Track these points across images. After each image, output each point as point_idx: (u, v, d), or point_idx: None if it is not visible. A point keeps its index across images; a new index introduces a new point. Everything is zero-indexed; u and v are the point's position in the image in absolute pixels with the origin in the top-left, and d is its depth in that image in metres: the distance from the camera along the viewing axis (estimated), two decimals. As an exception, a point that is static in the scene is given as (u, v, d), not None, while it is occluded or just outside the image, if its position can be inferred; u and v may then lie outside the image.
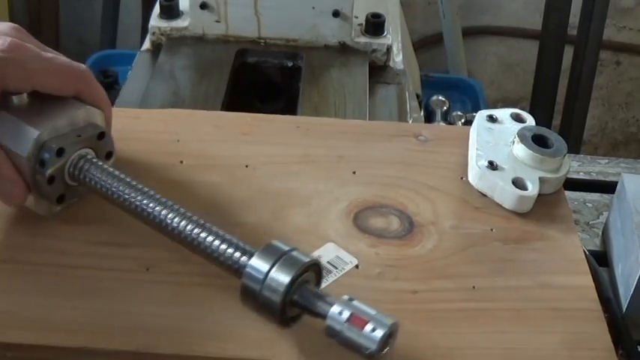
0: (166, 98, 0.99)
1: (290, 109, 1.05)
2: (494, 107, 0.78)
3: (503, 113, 0.75)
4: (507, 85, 2.35)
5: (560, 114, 1.94)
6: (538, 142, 0.70)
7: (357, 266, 0.62)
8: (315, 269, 0.56)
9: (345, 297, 0.53)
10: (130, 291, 0.59)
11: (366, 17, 1.10)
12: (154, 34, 1.10)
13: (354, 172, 0.71)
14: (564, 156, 0.70)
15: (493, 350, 0.57)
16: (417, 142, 0.75)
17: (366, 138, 0.75)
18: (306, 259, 0.54)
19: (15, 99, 0.63)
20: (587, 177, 0.99)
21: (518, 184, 0.68)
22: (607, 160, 1.04)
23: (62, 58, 0.64)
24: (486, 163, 0.69)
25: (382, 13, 1.11)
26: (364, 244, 0.64)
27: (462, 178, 0.71)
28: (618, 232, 0.75)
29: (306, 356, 0.56)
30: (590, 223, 0.90)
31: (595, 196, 0.95)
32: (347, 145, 0.74)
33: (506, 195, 0.68)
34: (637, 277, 0.68)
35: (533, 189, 0.68)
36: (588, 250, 0.68)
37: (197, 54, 1.08)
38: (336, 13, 1.07)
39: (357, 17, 1.10)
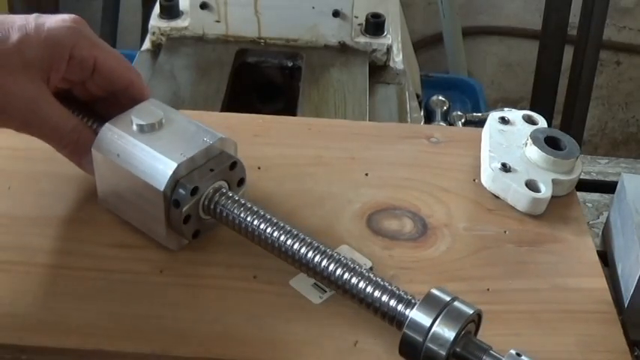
0: (166, 98, 0.98)
1: (290, 109, 1.05)
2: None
3: (515, 115, 0.75)
4: (507, 85, 2.35)
5: (560, 114, 1.94)
6: (551, 144, 0.70)
7: (371, 268, 0.62)
8: (476, 318, 0.54)
9: (513, 351, 0.51)
10: (144, 293, 0.59)
11: (366, 17, 1.10)
12: (154, 34, 1.10)
13: (366, 174, 0.71)
14: (577, 158, 0.70)
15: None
16: (429, 144, 0.75)
17: (378, 140, 0.75)
18: (470, 311, 0.52)
19: (145, 125, 0.60)
20: (587, 177, 0.99)
21: (531, 186, 0.68)
22: (607, 160, 1.04)
23: None
24: (499, 165, 0.69)
25: (382, 13, 1.10)
26: (378, 246, 0.64)
27: (474, 180, 0.71)
28: (618, 232, 0.75)
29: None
30: (590, 223, 0.90)
31: (595, 196, 0.94)
32: (359, 147, 0.74)
33: (519, 197, 0.68)
34: (637, 277, 0.67)
35: (546, 191, 0.68)
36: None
37: (197, 54, 1.07)
38: (336, 13, 1.07)
39: (357, 17, 1.09)
